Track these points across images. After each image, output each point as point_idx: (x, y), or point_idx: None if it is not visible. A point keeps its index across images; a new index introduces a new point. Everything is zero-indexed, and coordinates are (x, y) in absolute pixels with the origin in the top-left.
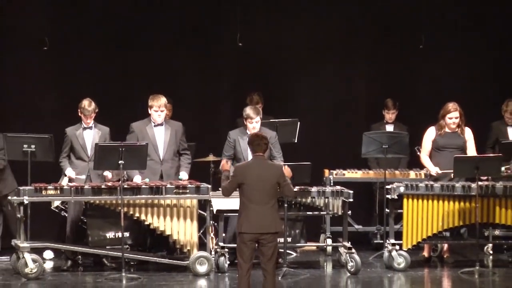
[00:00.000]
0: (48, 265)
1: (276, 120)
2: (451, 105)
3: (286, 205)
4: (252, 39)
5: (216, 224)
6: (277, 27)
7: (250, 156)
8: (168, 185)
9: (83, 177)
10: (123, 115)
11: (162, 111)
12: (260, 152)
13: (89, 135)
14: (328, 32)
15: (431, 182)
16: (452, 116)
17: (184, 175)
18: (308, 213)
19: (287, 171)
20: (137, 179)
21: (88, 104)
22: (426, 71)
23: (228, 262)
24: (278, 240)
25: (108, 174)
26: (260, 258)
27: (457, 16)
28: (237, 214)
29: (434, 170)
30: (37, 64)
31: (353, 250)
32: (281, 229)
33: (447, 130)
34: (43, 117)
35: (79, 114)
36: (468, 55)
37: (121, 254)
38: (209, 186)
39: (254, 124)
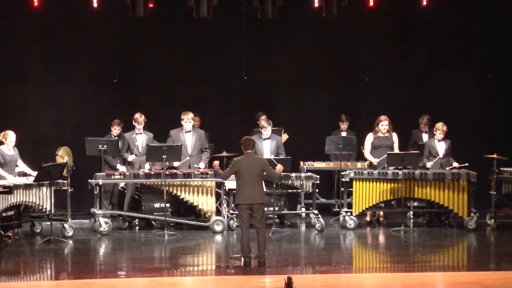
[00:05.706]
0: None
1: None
2: (382, 117)
3: (274, 185)
4: (253, 75)
5: (227, 198)
6: (270, 66)
7: (265, 152)
8: (196, 172)
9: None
10: (165, 124)
11: (190, 122)
12: (249, 149)
13: (140, 138)
14: (304, 69)
15: (372, 170)
16: (383, 124)
17: (201, 165)
18: (289, 190)
19: (279, 168)
20: (177, 163)
21: (139, 117)
22: (368, 96)
23: (236, 224)
24: (264, 208)
25: (147, 165)
26: (253, 222)
27: (388, 57)
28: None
29: (374, 161)
30: (107, 92)
31: (319, 216)
32: (265, 200)
33: (380, 134)
34: (111, 125)
35: (133, 123)
36: (396, 85)
37: (164, 218)
38: None
39: (267, 131)
